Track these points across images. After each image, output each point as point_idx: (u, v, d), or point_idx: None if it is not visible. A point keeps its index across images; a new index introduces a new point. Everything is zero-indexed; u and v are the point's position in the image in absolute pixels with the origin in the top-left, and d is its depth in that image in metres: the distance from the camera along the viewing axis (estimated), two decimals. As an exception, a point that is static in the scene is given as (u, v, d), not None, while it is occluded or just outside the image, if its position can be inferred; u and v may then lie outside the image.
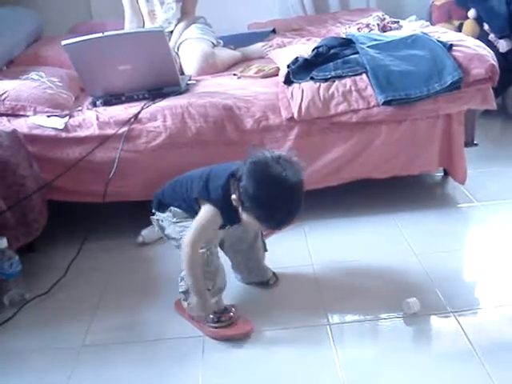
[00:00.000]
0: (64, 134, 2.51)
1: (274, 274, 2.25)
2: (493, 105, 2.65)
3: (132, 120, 2.53)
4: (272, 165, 1.77)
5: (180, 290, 2.04)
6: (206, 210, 1.91)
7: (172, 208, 2.04)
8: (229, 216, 1.90)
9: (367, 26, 3.28)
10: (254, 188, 1.77)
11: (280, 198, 1.77)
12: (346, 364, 1.81)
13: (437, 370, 1.77)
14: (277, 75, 2.76)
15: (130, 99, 2.66)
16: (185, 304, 2.04)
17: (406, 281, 2.19)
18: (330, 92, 2.52)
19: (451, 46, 2.64)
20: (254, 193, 1.77)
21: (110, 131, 2.51)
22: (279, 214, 1.80)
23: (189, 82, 2.85)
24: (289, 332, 1.99)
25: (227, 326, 1.99)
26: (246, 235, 2.14)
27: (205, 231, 1.91)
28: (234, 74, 2.98)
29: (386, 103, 2.51)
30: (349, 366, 1.80)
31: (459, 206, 2.73)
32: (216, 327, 1.99)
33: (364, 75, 2.58)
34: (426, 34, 2.80)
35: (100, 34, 2.55)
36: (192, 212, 1.96)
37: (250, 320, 2.03)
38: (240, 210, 1.84)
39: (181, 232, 2.00)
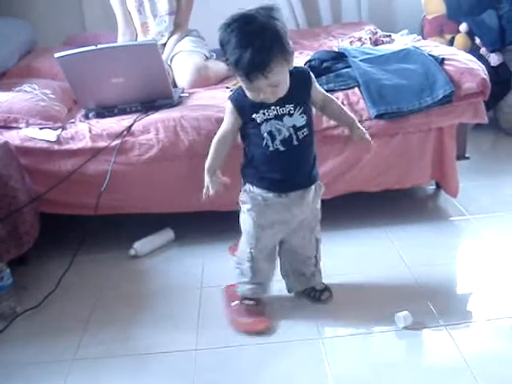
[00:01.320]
0: (56, 147, 2.50)
1: (327, 287, 2.22)
2: (484, 118, 2.67)
3: (125, 133, 2.52)
4: (238, 12, 1.79)
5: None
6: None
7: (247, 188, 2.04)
8: (244, 102, 1.89)
9: (359, 39, 3.30)
10: (222, 34, 1.78)
11: (242, 33, 1.75)
12: (339, 378, 1.81)
13: (429, 384, 1.77)
14: (270, 88, 2.76)
15: (123, 112, 2.65)
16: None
17: (398, 294, 2.19)
18: (323, 105, 2.53)
19: (443, 59, 2.66)
20: (222, 37, 1.78)
21: (102, 144, 2.51)
22: (245, 53, 1.73)
23: (181, 95, 2.85)
24: (281, 346, 1.98)
25: (245, 310, 2.10)
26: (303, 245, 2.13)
27: (224, 124, 1.99)
28: (227, 87, 2.98)
29: (378, 117, 2.52)
30: (341, 380, 1.80)
31: (451, 219, 2.73)
32: (234, 308, 2.13)
33: (356, 89, 2.59)
34: (417, 47, 2.82)
35: (93, 47, 2.56)
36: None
37: (267, 319, 2.08)
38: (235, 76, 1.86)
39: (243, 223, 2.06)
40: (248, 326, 2.07)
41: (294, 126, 1.91)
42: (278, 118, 1.89)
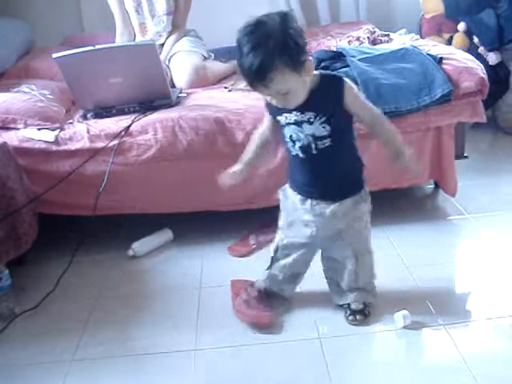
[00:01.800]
0: (54, 147, 2.50)
1: (362, 311, 2.07)
2: (483, 117, 2.67)
3: (123, 133, 2.52)
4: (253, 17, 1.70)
5: None
6: None
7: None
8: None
9: (358, 39, 3.30)
10: (238, 36, 1.71)
11: (247, 39, 1.67)
12: (338, 377, 1.80)
13: (428, 384, 1.77)
14: (268, 88, 2.76)
15: (121, 112, 2.65)
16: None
17: (397, 293, 2.19)
18: (321, 105, 2.53)
19: (441, 59, 2.66)
20: (237, 39, 1.71)
21: (100, 144, 2.50)
22: (246, 60, 1.67)
23: (180, 95, 2.85)
24: (280, 346, 1.98)
25: (248, 304, 2.10)
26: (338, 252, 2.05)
27: (264, 120, 2.00)
28: (225, 87, 2.98)
29: (377, 116, 2.51)
30: (341, 380, 1.80)
31: (450, 218, 2.73)
32: (243, 298, 2.12)
33: (354, 88, 2.59)
34: (416, 47, 2.81)
35: (91, 47, 2.55)
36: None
37: (272, 314, 2.08)
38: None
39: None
40: (251, 318, 2.07)
41: (313, 135, 1.83)
42: (298, 124, 1.82)
